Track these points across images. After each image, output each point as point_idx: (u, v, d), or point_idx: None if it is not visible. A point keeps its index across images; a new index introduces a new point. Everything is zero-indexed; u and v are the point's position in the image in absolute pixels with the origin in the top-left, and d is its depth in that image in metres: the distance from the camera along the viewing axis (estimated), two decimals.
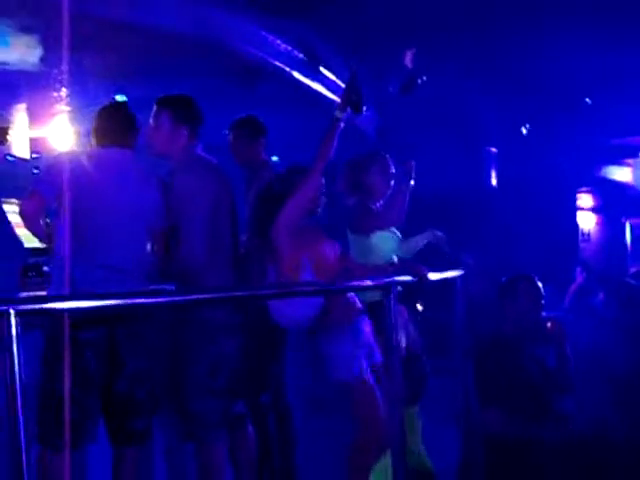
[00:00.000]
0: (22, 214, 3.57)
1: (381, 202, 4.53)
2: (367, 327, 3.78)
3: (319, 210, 3.83)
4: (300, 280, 3.58)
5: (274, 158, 4.97)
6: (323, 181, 3.83)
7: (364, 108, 3.78)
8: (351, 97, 3.73)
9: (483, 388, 3.92)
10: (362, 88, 3.76)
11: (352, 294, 3.73)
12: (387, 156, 4.59)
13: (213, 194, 3.59)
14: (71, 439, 3.27)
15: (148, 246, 3.52)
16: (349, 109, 3.74)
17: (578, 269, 11.08)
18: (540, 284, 4.32)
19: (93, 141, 3.67)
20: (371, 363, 3.70)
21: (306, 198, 3.67)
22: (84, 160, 3.49)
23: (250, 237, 4.18)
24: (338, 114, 3.69)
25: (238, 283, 3.66)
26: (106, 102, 3.82)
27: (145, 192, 3.52)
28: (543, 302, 4.24)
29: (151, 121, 3.73)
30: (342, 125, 3.71)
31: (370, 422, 3.59)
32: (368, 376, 3.63)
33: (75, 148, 7.73)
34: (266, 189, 3.87)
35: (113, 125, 3.61)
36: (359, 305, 3.80)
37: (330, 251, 3.78)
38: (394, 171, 4.57)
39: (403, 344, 4.46)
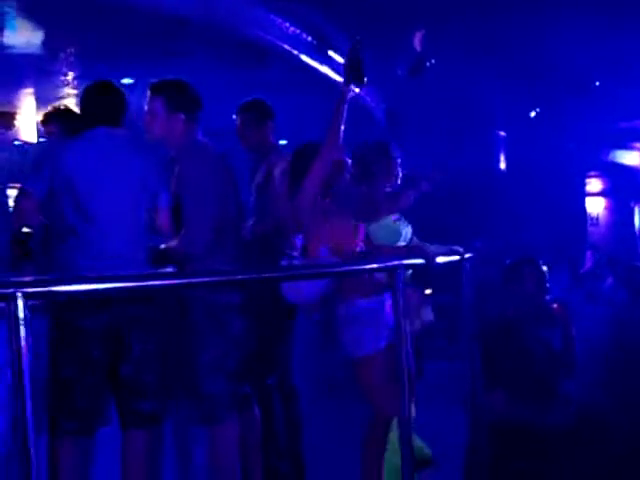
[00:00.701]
0: (17, 213, 3.51)
1: (387, 189, 4.51)
2: (389, 307, 3.76)
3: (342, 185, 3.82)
4: (319, 254, 3.60)
5: (282, 142, 4.94)
6: (348, 161, 3.81)
7: (365, 79, 3.74)
8: (352, 68, 3.69)
9: (488, 371, 3.91)
10: (364, 58, 3.72)
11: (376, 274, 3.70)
12: (394, 145, 4.57)
13: (216, 180, 3.56)
14: (83, 425, 3.28)
15: (148, 228, 3.47)
16: (350, 78, 3.70)
17: (588, 253, 11.09)
18: (545, 267, 4.30)
19: (82, 122, 3.56)
20: (389, 344, 3.69)
21: (322, 173, 3.66)
22: (72, 145, 3.44)
23: (256, 222, 4.16)
24: (346, 90, 3.67)
25: (244, 267, 3.64)
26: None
27: (141, 166, 3.46)
28: (548, 285, 4.22)
29: (146, 107, 3.65)
30: (348, 98, 3.69)
31: (385, 405, 3.60)
32: (384, 356, 3.62)
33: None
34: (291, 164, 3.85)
35: (102, 105, 3.51)
36: (383, 281, 3.76)
37: (349, 231, 3.77)
38: (400, 160, 4.56)
39: (408, 327, 4.45)
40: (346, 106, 3.68)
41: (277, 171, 4.17)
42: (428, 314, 4.46)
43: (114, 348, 3.36)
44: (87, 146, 3.43)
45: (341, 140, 3.71)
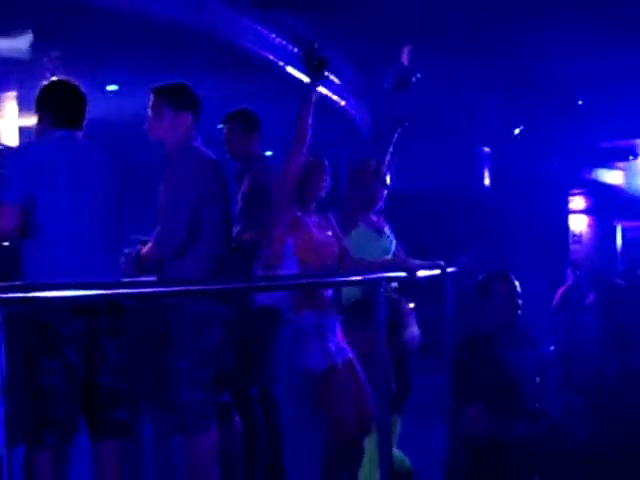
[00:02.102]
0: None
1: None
2: (338, 324, 3.74)
3: (322, 195, 3.79)
4: (282, 265, 3.59)
5: (267, 153, 4.92)
6: (325, 162, 3.80)
7: (326, 73, 3.73)
8: (312, 62, 3.68)
9: (461, 386, 3.90)
10: (323, 53, 3.70)
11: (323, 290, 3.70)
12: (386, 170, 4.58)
13: (199, 186, 3.54)
14: (60, 435, 3.21)
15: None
16: (313, 77, 3.69)
17: (568, 270, 11.13)
18: (517, 282, 4.26)
19: (40, 122, 3.44)
20: (342, 360, 3.67)
21: (291, 177, 3.64)
22: (42, 149, 3.36)
23: (241, 230, 4.14)
24: (310, 89, 3.65)
25: (221, 275, 3.61)
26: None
27: (104, 169, 3.39)
28: (520, 301, 4.18)
29: (150, 111, 3.64)
30: (313, 98, 3.66)
31: (338, 420, 3.57)
32: (337, 372, 3.60)
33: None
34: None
35: (64, 104, 3.40)
36: (329, 300, 3.76)
37: (325, 241, 3.75)
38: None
39: (415, 333, 4.44)
40: (311, 106, 3.66)
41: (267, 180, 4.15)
42: (414, 329, 4.45)
43: (91, 356, 3.32)
44: (55, 149, 3.36)
45: (308, 140, 3.68)
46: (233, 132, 4.41)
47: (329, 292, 3.75)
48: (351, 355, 3.75)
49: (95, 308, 3.19)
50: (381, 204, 4.55)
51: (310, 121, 3.66)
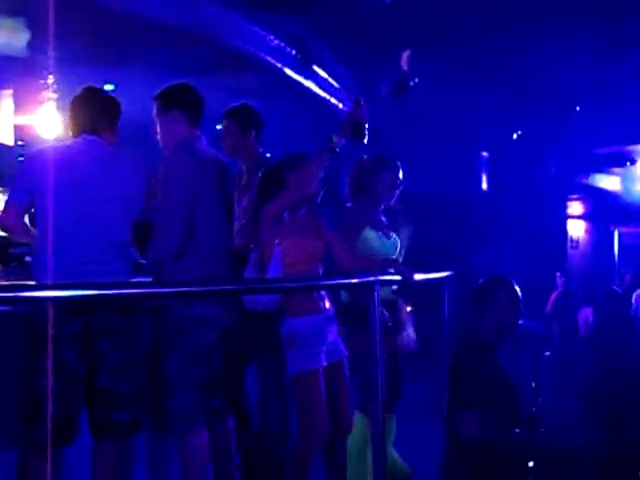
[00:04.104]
0: (3, 229, 3.56)
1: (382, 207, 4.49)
2: (331, 327, 3.72)
3: (317, 199, 3.79)
4: (268, 270, 3.57)
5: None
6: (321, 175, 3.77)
7: (366, 138, 3.72)
8: (354, 126, 3.66)
9: (461, 391, 3.89)
10: (366, 118, 3.68)
11: (321, 292, 3.68)
12: (398, 164, 4.53)
13: (193, 183, 3.50)
14: (56, 437, 3.16)
15: (129, 236, 3.44)
16: (349, 137, 3.68)
17: (558, 274, 11.15)
18: (517, 288, 4.24)
19: (69, 131, 3.56)
20: (329, 363, 3.66)
21: (290, 200, 3.66)
22: (53, 154, 3.41)
23: (238, 232, 4.10)
24: (334, 139, 3.63)
25: (217, 277, 3.58)
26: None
27: (125, 179, 3.44)
28: (521, 307, 4.16)
29: (156, 118, 3.65)
30: (337, 150, 3.66)
31: (315, 421, 3.56)
32: (319, 375, 3.59)
33: (59, 137, 7.60)
34: (264, 178, 3.79)
35: (85, 113, 3.48)
36: (326, 304, 3.74)
37: (312, 245, 3.73)
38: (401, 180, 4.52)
39: (411, 336, 4.41)
40: (329, 157, 3.65)
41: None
42: (410, 332, 4.43)
43: (90, 357, 3.29)
44: (64, 156, 3.40)
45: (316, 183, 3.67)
46: (229, 128, 4.32)
47: (323, 295, 3.73)
48: (344, 355, 3.74)
49: (93, 307, 3.18)
50: (391, 204, 4.51)
51: (324, 167, 3.65)
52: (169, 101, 3.62)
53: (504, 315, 3.97)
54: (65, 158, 3.39)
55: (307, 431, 3.58)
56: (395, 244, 4.45)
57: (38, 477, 3.15)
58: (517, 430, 3.75)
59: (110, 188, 3.39)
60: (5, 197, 3.56)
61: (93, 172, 3.39)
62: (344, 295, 4.19)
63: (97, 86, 3.64)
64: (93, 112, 3.48)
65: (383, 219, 4.48)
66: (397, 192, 4.50)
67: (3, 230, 3.62)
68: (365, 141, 3.69)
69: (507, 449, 3.72)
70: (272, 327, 3.77)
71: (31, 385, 3.19)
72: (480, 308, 3.99)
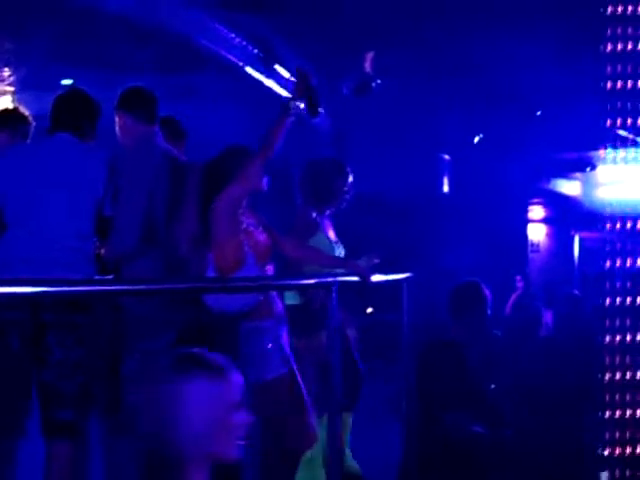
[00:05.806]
0: None
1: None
2: (284, 332, 3.68)
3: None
4: (242, 269, 3.49)
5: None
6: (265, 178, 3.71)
7: (320, 110, 3.68)
8: (308, 95, 3.62)
9: (443, 391, 3.91)
10: (316, 88, 3.66)
11: (275, 296, 3.62)
12: (349, 170, 4.53)
13: (147, 181, 3.53)
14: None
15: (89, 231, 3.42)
16: (305, 109, 3.63)
17: (518, 277, 11.24)
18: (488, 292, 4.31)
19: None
20: (288, 368, 3.61)
21: (249, 185, 3.53)
22: (10, 155, 3.51)
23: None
24: (291, 104, 3.56)
25: (170, 276, 3.54)
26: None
27: (83, 169, 3.44)
28: (489, 310, 4.22)
29: (118, 129, 3.80)
30: (292, 118, 3.59)
31: (280, 428, 3.51)
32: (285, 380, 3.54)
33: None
34: (207, 171, 3.73)
35: (59, 112, 3.59)
36: (279, 307, 3.69)
37: (261, 239, 3.69)
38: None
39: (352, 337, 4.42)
40: (287, 123, 3.58)
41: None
42: (351, 333, 4.43)
43: (38, 349, 3.21)
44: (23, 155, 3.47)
45: (274, 154, 3.61)
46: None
47: (277, 299, 3.70)
48: (294, 365, 3.69)
49: (38, 303, 3.16)
50: (341, 206, 4.50)
51: (282, 136, 3.58)
52: (120, 105, 3.79)
53: (483, 318, 4.03)
54: (29, 158, 3.40)
55: (278, 440, 3.52)
56: (341, 253, 4.47)
57: None
58: (489, 430, 3.80)
59: (64, 177, 3.38)
60: None
61: (54, 166, 3.38)
62: (291, 297, 4.17)
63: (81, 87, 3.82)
64: (76, 112, 3.58)
65: (328, 223, 4.47)
66: (347, 197, 4.51)
67: None
68: (320, 110, 3.65)
69: (490, 447, 3.76)
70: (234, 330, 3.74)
71: None
72: (458, 310, 4.02)
